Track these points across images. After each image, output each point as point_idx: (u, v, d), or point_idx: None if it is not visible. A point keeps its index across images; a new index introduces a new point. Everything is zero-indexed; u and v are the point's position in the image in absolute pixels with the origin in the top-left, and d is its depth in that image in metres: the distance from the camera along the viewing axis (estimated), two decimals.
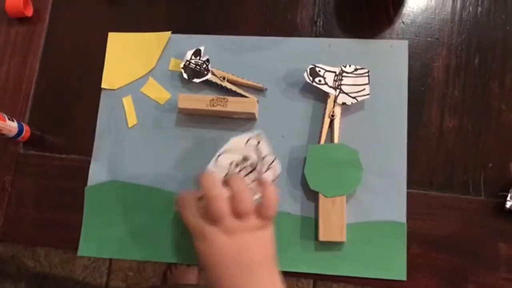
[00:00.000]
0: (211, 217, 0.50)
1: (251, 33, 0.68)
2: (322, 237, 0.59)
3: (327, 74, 0.63)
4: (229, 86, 0.65)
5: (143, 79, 0.68)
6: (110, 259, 1.59)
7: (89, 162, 0.66)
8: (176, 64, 0.67)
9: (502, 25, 0.64)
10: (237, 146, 0.58)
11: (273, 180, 0.56)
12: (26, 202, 0.67)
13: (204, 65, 0.65)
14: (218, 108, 0.62)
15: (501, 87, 0.63)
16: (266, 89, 0.65)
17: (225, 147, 0.58)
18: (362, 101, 0.62)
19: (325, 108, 0.63)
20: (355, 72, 0.63)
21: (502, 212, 0.59)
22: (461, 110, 0.63)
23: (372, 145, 0.62)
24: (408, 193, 0.61)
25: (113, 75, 0.69)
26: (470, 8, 0.65)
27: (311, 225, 0.61)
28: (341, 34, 0.66)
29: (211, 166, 0.57)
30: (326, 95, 0.63)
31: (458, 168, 0.61)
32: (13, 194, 0.67)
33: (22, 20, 0.72)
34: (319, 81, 0.62)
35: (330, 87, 0.62)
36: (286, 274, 0.61)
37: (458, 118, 0.62)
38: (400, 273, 0.59)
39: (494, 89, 0.63)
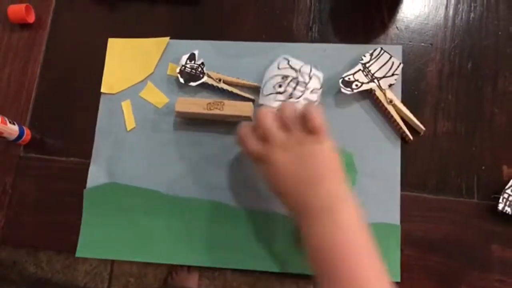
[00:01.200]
0: (263, 136, 0.52)
1: (248, 38, 0.69)
2: None
3: (356, 75, 0.64)
4: (225, 87, 0.66)
5: (142, 83, 0.69)
6: (112, 265, 1.60)
7: (88, 165, 0.67)
8: (174, 69, 0.69)
9: (494, 30, 0.65)
10: (273, 74, 0.62)
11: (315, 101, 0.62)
12: (27, 204, 0.68)
13: (200, 69, 0.67)
14: (215, 111, 0.63)
15: (493, 91, 0.63)
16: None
17: (264, 80, 0.62)
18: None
19: (379, 102, 0.64)
20: (373, 58, 0.64)
21: (495, 214, 0.59)
22: (454, 113, 0.63)
23: (367, 148, 0.63)
24: (402, 195, 0.61)
25: (112, 79, 0.70)
26: (463, 14, 0.66)
27: None
28: (336, 40, 0.68)
29: (260, 100, 0.62)
30: (368, 92, 0.64)
31: (451, 170, 0.62)
32: (13, 197, 0.68)
33: (24, 26, 0.74)
34: (356, 85, 0.63)
35: (367, 83, 0.63)
36: (284, 276, 0.62)
37: (451, 122, 0.63)
38: (394, 274, 0.59)
39: (486, 93, 0.63)
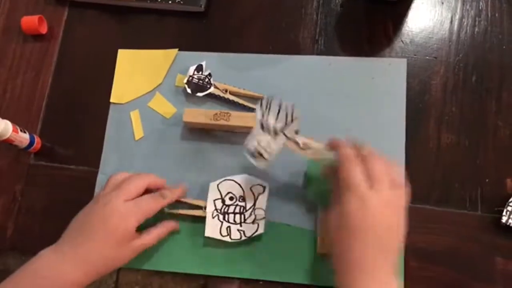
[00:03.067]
0: (371, 176, 0.50)
1: (255, 51, 0.70)
2: (320, 249, 0.60)
3: (260, 140, 0.57)
4: (231, 97, 0.67)
5: (150, 94, 0.71)
6: (117, 274, 1.60)
7: (97, 174, 0.68)
8: (182, 80, 0.70)
9: (498, 44, 0.66)
10: (245, 183, 0.63)
11: (250, 236, 0.62)
12: (36, 211, 0.69)
13: (207, 79, 0.68)
14: (221, 122, 0.64)
15: (497, 105, 0.64)
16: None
17: (236, 177, 0.63)
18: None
19: (296, 152, 0.59)
20: (265, 109, 0.57)
21: (498, 227, 0.60)
22: (458, 126, 0.64)
23: None
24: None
25: (121, 90, 0.71)
26: (467, 28, 0.67)
27: (311, 237, 0.62)
28: (341, 53, 0.69)
29: (213, 183, 0.63)
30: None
31: (455, 183, 0.62)
32: (23, 204, 0.69)
33: (37, 37, 0.76)
34: (267, 151, 0.57)
35: (276, 140, 0.57)
36: (286, 286, 0.62)
37: (455, 134, 0.64)
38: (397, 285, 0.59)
39: (490, 106, 0.64)
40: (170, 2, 0.72)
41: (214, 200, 0.64)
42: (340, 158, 0.53)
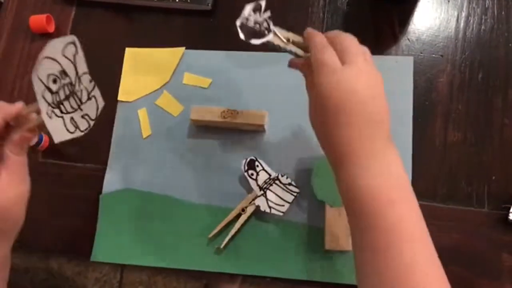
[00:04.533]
0: (344, 53, 0.48)
1: (262, 49, 0.70)
2: (328, 246, 0.60)
3: (261, 173, 0.64)
4: (294, 49, 0.55)
5: (158, 92, 0.71)
6: (121, 273, 1.61)
7: (104, 171, 0.69)
8: (189, 78, 0.70)
9: (504, 42, 0.66)
10: (55, 51, 0.48)
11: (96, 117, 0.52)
12: (43, 209, 0.69)
13: (265, 24, 0.56)
14: (228, 120, 0.65)
15: (504, 102, 0.64)
16: None
17: (44, 52, 0.47)
18: None
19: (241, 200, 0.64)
20: (287, 186, 0.64)
21: (505, 224, 0.60)
22: (465, 124, 0.64)
23: None
24: None
25: (129, 88, 0.72)
26: (474, 26, 0.67)
27: (318, 234, 0.62)
28: None
29: (33, 74, 0.47)
30: (250, 189, 0.64)
31: (462, 180, 0.63)
32: (30, 201, 0.69)
33: (45, 35, 0.76)
34: (251, 174, 0.64)
35: (258, 185, 0.63)
36: (292, 283, 0.62)
37: (462, 132, 0.64)
38: None
39: (497, 104, 0.64)
40: (177, 0, 0.73)
41: (43, 95, 0.49)
42: (310, 47, 0.50)
